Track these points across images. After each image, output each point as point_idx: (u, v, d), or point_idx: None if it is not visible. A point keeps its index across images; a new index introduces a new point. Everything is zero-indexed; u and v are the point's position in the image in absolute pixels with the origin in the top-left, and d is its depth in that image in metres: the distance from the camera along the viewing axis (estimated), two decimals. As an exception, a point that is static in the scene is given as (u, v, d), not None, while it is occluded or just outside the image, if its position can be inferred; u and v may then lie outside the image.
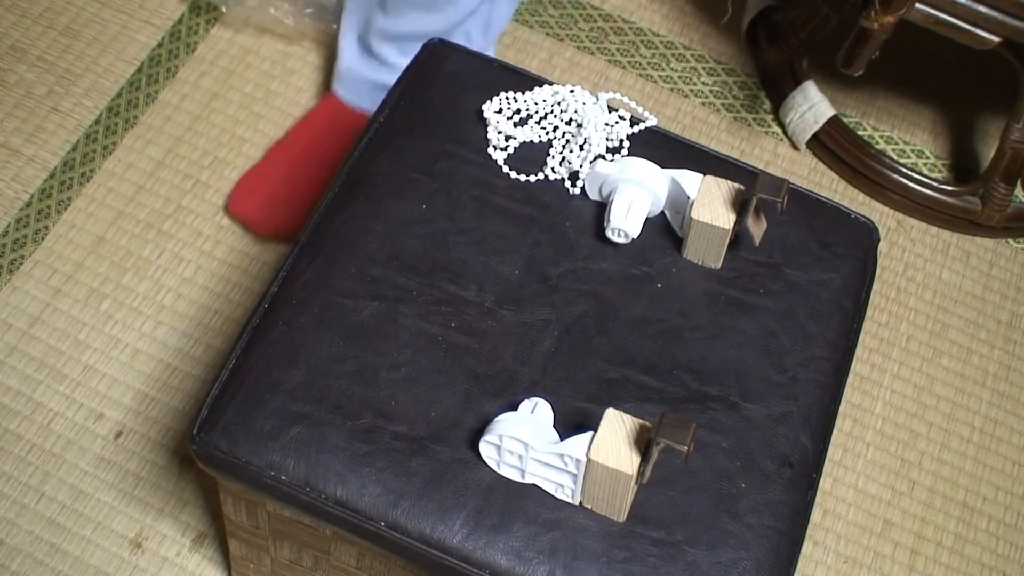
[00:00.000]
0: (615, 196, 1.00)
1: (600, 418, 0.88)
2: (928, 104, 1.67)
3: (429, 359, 0.95)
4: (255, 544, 1.06)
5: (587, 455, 0.86)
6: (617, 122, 1.07)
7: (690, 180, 1.00)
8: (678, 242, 1.02)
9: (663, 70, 1.64)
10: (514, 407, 0.93)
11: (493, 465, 0.91)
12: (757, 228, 1.00)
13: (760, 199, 0.96)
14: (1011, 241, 1.57)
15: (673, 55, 1.65)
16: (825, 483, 1.36)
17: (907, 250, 1.54)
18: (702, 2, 1.70)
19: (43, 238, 1.39)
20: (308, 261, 0.99)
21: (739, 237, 1.02)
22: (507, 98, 1.08)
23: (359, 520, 0.91)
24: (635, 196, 1.00)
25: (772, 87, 1.63)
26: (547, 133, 1.07)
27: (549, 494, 0.91)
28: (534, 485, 0.91)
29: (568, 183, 1.04)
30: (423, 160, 1.05)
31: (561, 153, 1.05)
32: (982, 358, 1.47)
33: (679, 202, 1.02)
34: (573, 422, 0.93)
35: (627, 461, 0.86)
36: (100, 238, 1.40)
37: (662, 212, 1.03)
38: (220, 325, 1.36)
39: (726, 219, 0.98)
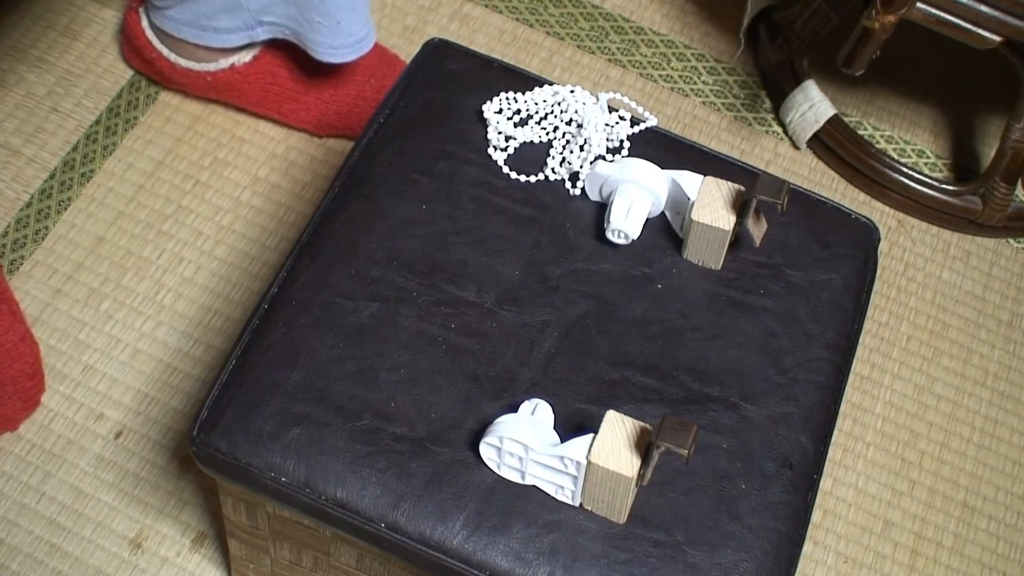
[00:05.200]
0: (615, 197, 1.00)
1: (600, 419, 0.87)
2: (929, 103, 1.67)
3: (429, 360, 0.95)
4: (255, 545, 1.06)
5: (587, 458, 0.86)
6: (617, 122, 1.07)
7: (690, 181, 1.00)
8: (678, 243, 1.02)
9: (663, 69, 1.64)
10: (514, 408, 0.93)
11: (493, 467, 0.91)
12: (757, 229, 1.00)
13: (760, 200, 0.95)
14: (1011, 241, 1.57)
15: (673, 54, 1.65)
16: (825, 483, 1.36)
17: (907, 250, 1.54)
18: (703, 1, 1.70)
19: (43, 238, 1.39)
20: (308, 262, 0.99)
21: (739, 238, 1.02)
22: (507, 98, 1.08)
23: (359, 521, 0.90)
24: (635, 197, 1.00)
25: (773, 86, 1.63)
26: (547, 133, 1.07)
27: (549, 495, 0.91)
28: (534, 487, 0.91)
29: (568, 184, 1.04)
30: (423, 160, 1.04)
31: (561, 154, 1.05)
32: (982, 358, 1.47)
33: (679, 203, 1.01)
34: (573, 423, 0.93)
35: (627, 464, 0.86)
36: (100, 238, 1.40)
37: (662, 213, 1.03)
38: (220, 325, 1.36)
39: (726, 220, 0.98)
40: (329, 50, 1.35)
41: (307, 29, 1.33)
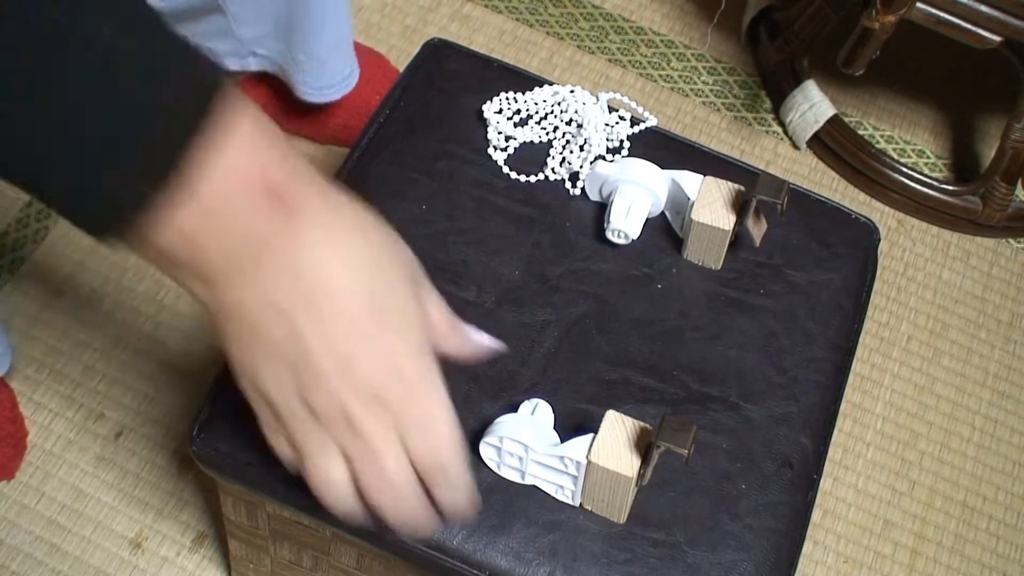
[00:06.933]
0: (615, 197, 1.00)
1: (600, 419, 0.87)
2: (929, 104, 1.67)
3: (429, 360, 0.95)
4: (255, 544, 1.06)
5: (587, 457, 0.86)
6: (617, 122, 1.07)
7: (690, 181, 1.00)
8: (678, 243, 1.02)
9: (663, 69, 1.64)
10: (514, 408, 0.93)
11: (493, 466, 0.91)
12: (757, 229, 1.00)
13: (760, 200, 0.95)
14: (1011, 241, 1.57)
15: (673, 54, 1.65)
16: (825, 483, 1.36)
17: (908, 250, 1.54)
18: (702, 1, 1.70)
19: (43, 238, 1.39)
20: (308, 262, 0.99)
21: (739, 238, 1.02)
22: (507, 98, 1.08)
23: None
24: (635, 197, 1.00)
25: (773, 86, 1.63)
26: (547, 133, 1.07)
27: (549, 495, 0.91)
28: (534, 486, 0.91)
29: (568, 184, 1.04)
30: (423, 160, 1.04)
31: (561, 154, 1.05)
32: (982, 358, 1.47)
33: (679, 203, 1.01)
34: (573, 423, 0.93)
35: (627, 464, 0.85)
36: (100, 238, 1.40)
37: (662, 213, 1.03)
38: (220, 325, 1.36)
39: (726, 220, 0.98)
40: (313, 91, 1.37)
41: (292, 68, 1.34)
